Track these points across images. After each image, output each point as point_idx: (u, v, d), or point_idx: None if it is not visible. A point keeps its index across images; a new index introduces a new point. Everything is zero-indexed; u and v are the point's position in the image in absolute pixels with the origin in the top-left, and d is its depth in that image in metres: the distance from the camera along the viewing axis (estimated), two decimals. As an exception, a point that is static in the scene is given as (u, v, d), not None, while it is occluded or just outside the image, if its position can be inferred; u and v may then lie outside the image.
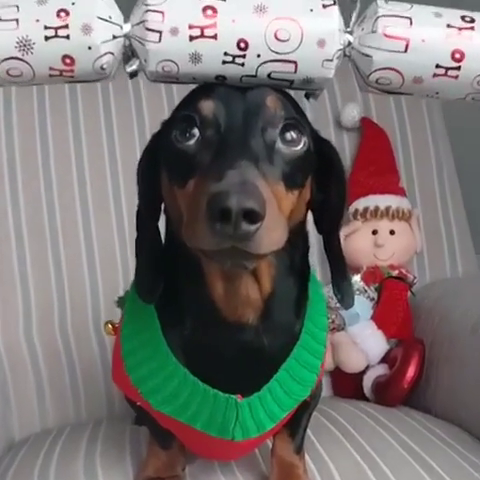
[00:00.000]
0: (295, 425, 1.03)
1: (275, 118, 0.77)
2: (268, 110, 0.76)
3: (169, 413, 0.91)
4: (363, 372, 1.49)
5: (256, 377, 0.89)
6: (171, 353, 0.89)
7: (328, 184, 0.86)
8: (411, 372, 1.42)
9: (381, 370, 1.49)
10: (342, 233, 1.48)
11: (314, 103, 1.75)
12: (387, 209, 1.57)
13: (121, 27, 0.73)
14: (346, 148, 1.70)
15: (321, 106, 1.65)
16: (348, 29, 0.76)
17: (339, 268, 0.90)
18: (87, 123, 1.60)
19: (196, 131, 0.76)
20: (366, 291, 1.54)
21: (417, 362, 1.42)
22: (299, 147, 0.78)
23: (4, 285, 1.53)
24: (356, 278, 1.55)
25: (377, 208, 1.57)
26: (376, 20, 0.73)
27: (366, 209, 1.58)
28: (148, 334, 0.91)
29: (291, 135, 0.77)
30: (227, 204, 0.63)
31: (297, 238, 0.84)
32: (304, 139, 0.78)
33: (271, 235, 0.68)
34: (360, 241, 1.59)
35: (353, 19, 0.76)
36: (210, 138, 0.75)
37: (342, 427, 1.21)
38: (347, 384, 1.52)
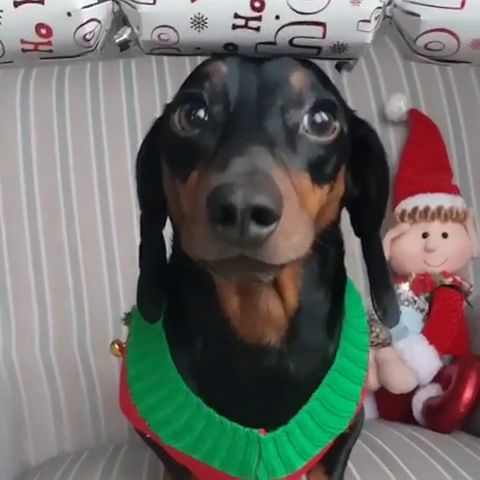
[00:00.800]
0: (332, 461, 1.00)
1: (300, 97, 0.70)
2: (291, 88, 0.70)
3: (182, 449, 0.87)
4: (412, 393, 1.46)
5: (282, 408, 0.84)
6: (181, 380, 0.85)
7: (367, 175, 0.81)
8: (469, 393, 1.36)
9: (433, 391, 1.45)
10: (388, 237, 1.54)
11: (355, 93, 1.70)
12: (439, 209, 1.53)
13: None
14: (392, 143, 1.68)
15: (363, 96, 1.63)
16: None
17: (380, 277, 0.85)
18: (109, 134, 1.62)
19: (202, 112, 0.70)
20: (415, 301, 1.51)
21: (475, 382, 1.38)
22: (330, 135, 0.71)
23: (19, 301, 1.54)
24: (404, 287, 1.52)
25: (427, 208, 1.53)
26: None
27: (415, 209, 1.54)
28: (155, 357, 0.87)
29: (321, 118, 0.71)
30: (230, 200, 0.55)
31: (329, 242, 0.78)
32: (336, 124, 0.72)
33: (290, 240, 0.59)
34: (408, 245, 1.56)
35: None
36: (217, 118, 0.69)
37: (387, 457, 1.19)
38: (394, 406, 1.48)
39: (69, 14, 0.69)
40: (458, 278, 1.53)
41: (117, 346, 1.11)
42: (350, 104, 0.81)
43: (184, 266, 0.79)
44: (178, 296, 0.85)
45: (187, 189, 0.69)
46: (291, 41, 0.72)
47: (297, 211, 0.62)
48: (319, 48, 0.73)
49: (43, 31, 0.70)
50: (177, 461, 0.94)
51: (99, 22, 0.72)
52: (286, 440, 0.84)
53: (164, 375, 0.87)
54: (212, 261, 0.61)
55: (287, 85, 0.71)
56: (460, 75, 1.63)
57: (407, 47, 0.74)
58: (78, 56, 0.73)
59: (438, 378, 1.45)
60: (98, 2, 0.71)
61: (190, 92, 0.72)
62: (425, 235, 1.54)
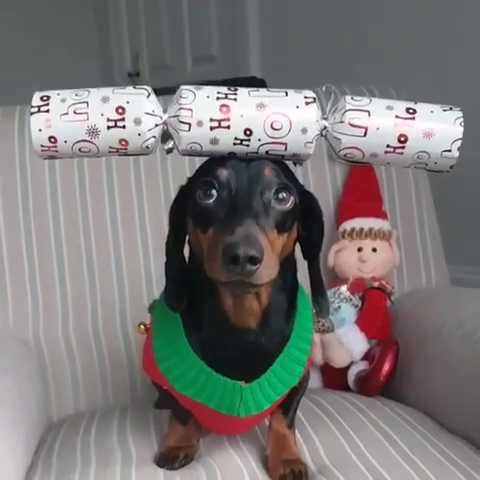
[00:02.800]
0: (287, 405, 1.14)
1: (270, 184, 0.91)
2: (265, 178, 0.91)
3: (189, 395, 1.03)
4: (348, 367, 1.57)
5: (257, 368, 1.01)
6: (191, 350, 1.01)
7: (310, 224, 0.99)
8: (386, 367, 1.50)
9: (362, 366, 1.57)
10: (333, 249, 1.66)
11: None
12: (370, 230, 1.65)
13: (161, 117, 0.88)
14: (338, 177, 1.78)
15: (317, 143, 1.69)
16: (324, 116, 0.90)
17: (318, 287, 1.02)
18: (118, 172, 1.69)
19: (214, 192, 0.90)
20: (351, 299, 1.62)
21: (392, 359, 1.51)
22: (288, 204, 0.91)
23: (46, 289, 1.63)
24: (343, 288, 1.63)
25: (362, 229, 1.65)
26: (344, 113, 0.89)
27: (353, 229, 1.66)
28: (174, 335, 1.03)
29: (282, 196, 0.91)
30: (237, 252, 0.79)
31: (287, 264, 0.97)
32: (291, 198, 0.92)
33: (267, 271, 0.83)
34: (347, 257, 1.67)
35: (328, 108, 0.91)
36: (224, 198, 0.89)
37: (328, 412, 1.32)
38: (334, 377, 1.59)
39: (139, 134, 0.87)
40: (384, 282, 1.65)
41: (143, 326, 1.22)
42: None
43: (198, 278, 0.95)
44: (192, 296, 0.99)
45: (206, 238, 0.88)
46: (267, 152, 0.90)
47: (270, 255, 0.84)
48: (283, 155, 0.91)
49: (123, 143, 0.87)
50: (184, 406, 1.10)
51: (155, 137, 0.88)
52: (258, 389, 1.00)
53: (180, 347, 1.01)
54: (223, 281, 0.83)
55: (263, 175, 0.90)
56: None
57: (334, 154, 0.92)
58: (140, 155, 0.91)
59: (366, 357, 1.57)
60: (155, 126, 0.88)
61: (207, 180, 0.90)
62: (360, 249, 1.65)
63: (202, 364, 1.00)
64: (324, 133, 0.90)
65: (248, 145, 0.88)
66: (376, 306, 1.62)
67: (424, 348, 1.46)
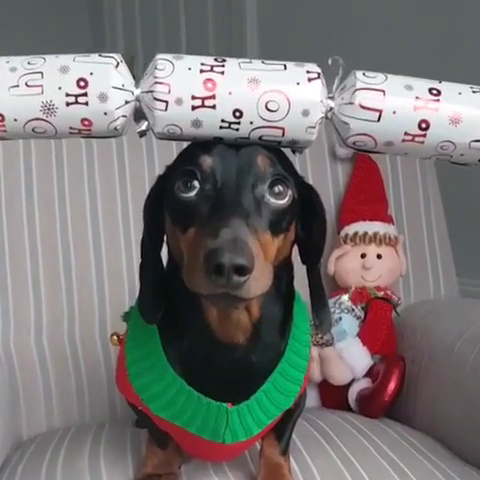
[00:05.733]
0: (281, 430, 1.08)
1: (264, 175, 0.82)
2: (258, 168, 0.82)
3: (167, 418, 0.96)
4: (348, 385, 1.51)
5: (245, 388, 0.94)
6: (170, 366, 0.94)
7: (311, 223, 0.91)
8: (392, 386, 1.44)
9: (365, 384, 1.51)
10: (333, 255, 1.60)
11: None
12: (375, 235, 1.60)
13: (132, 92, 0.78)
14: (340, 177, 1.74)
15: (318, 139, 1.70)
16: (330, 95, 0.81)
17: (319, 297, 0.95)
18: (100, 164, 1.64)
19: (196, 183, 0.81)
20: (353, 310, 1.57)
21: (398, 377, 1.45)
22: (285, 200, 0.83)
23: (18, 294, 1.55)
24: (345, 298, 1.58)
25: (366, 233, 1.60)
26: (354, 93, 0.79)
27: (356, 234, 1.61)
28: (149, 347, 0.96)
29: (278, 189, 0.83)
30: (221, 260, 0.69)
31: (282, 270, 0.89)
32: (289, 192, 0.83)
33: (259, 282, 0.74)
34: (349, 263, 1.62)
35: (335, 86, 0.82)
36: (208, 192, 0.81)
37: (326, 435, 1.26)
38: (334, 396, 1.54)
39: (105, 113, 0.77)
40: (389, 292, 1.58)
41: (116, 337, 1.15)
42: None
43: (177, 283, 0.84)
44: (171, 304, 0.92)
45: (186, 240, 0.80)
46: (260, 137, 0.81)
47: (263, 263, 0.74)
48: (279, 142, 0.82)
49: (86, 123, 0.77)
50: (162, 429, 1.02)
51: (126, 117, 0.79)
52: (247, 412, 0.93)
53: (156, 361, 0.95)
54: (204, 294, 0.75)
55: (255, 165, 0.82)
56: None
57: (341, 141, 0.83)
58: (107, 137, 0.82)
59: (369, 373, 1.51)
60: (125, 103, 0.78)
61: (188, 169, 0.82)
62: (363, 255, 1.60)
63: (182, 383, 0.93)
64: (329, 116, 0.81)
65: (238, 129, 0.79)
66: (380, 318, 1.57)
67: (434, 365, 1.41)
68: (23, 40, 3.70)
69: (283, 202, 0.83)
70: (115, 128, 0.79)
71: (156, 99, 0.77)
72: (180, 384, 0.93)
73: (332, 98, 0.81)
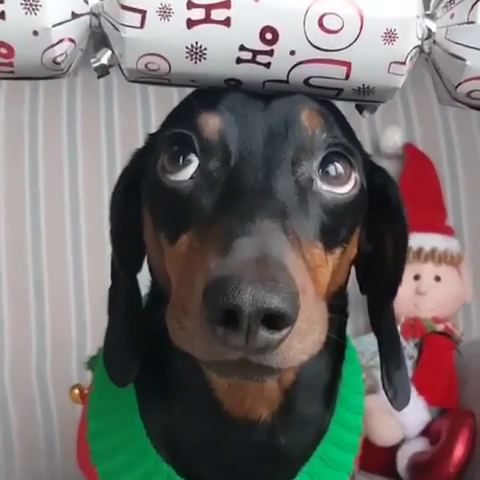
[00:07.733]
0: None
1: (313, 144, 0.60)
2: (303, 132, 0.60)
3: None
4: (397, 446, 1.41)
5: None
6: (150, 444, 0.76)
7: (382, 230, 0.70)
8: (459, 452, 1.31)
9: (420, 445, 1.41)
10: None
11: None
12: (433, 251, 1.50)
13: (86, 1, 0.58)
14: None
15: (356, 128, 1.64)
16: (428, 12, 0.61)
17: (393, 353, 0.75)
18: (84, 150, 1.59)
19: (193, 157, 0.59)
20: (405, 348, 1.39)
21: (467, 439, 1.33)
22: (347, 188, 0.60)
23: None
24: None
25: (421, 249, 1.49)
26: (476, 3, 0.58)
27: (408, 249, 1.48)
28: (122, 414, 0.78)
29: (336, 170, 0.60)
30: (236, 301, 0.45)
31: (333, 308, 0.65)
32: (354, 175, 0.61)
33: (305, 342, 0.50)
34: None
35: None
36: (214, 173, 0.59)
37: None
38: (377, 458, 1.41)
39: (35, 33, 0.57)
40: (450, 325, 1.49)
41: (77, 391, 0.98)
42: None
43: (163, 324, 0.62)
44: (154, 349, 0.72)
45: (175, 254, 0.59)
46: (307, 80, 0.61)
47: (313, 305, 0.52)
48: (340, 90, 0.62)
49: (3, 50, 0.58)
50: None
51: (73, 42, 0.60)
52: None
53: (130, 436, 0.77)
54: (206, 360, 0.51)
55: (298, 127, 0.61)
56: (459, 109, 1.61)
57: (445, 92, 0.63)
58: (46, 78, 0.62)
59: (426, 432, 1.42)
60: (72, 18, 0.59)
61: (179, 132, 0.61)
62: (417, 277, 1.50)
63: (169, 472, 0.76)
64: (428, 47, 0.60)
65: (268, 64, 0.58)
66: (440, 359, 1.45)
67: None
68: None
69: (345, 192, 0.61)
70: (54, 61, 0.58)
71: (125, 8, 0.57)
72: (166, 475, 0.76)
73: (432, 17, 0.61)
